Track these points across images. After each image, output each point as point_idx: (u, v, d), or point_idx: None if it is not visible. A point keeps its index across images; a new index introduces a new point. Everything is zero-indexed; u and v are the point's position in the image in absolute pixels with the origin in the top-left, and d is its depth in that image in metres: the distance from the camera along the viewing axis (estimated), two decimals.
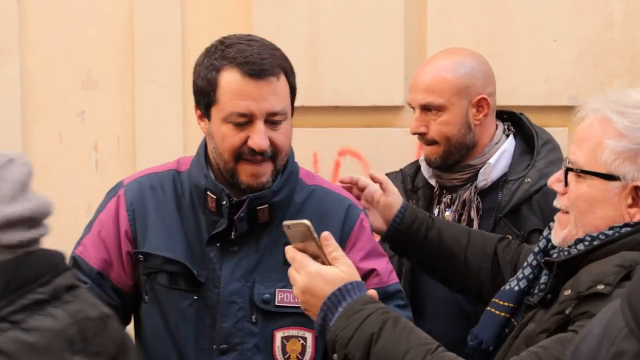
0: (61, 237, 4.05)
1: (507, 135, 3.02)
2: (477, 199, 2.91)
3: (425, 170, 3.04)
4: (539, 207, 2.80)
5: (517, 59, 3.62)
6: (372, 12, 3.70)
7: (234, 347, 2.40)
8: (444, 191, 2.99)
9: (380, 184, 2.75)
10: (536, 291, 2.09)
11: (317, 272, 2.00)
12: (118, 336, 1.89)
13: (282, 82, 2.35)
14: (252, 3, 3.76)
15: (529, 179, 2.85)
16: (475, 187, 2.92)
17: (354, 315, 1.94)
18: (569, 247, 2.02)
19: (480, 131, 2.96)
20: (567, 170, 2.04)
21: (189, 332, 2.41)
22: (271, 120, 2.34)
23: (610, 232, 1.97)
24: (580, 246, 1.99)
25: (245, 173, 2.37)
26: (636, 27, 3.58)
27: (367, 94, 3.73)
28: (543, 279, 2.08)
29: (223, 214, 2.38)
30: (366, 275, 2.43)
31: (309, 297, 2.01)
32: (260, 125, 2.32)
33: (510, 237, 2.73)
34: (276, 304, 2.40)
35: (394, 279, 2.50)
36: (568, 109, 3.52)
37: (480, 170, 2.93)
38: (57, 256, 1.86)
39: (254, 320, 2.40)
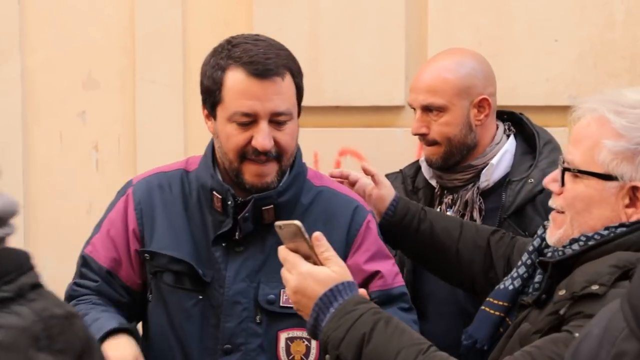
0: (61, 237, 4.10)
1: (508, 136, 3.02)
2: (479, 199, 2.90)
3: (426, 171, 3.04)
4: (543, 207, 2.80)
5: (517, 59, 3.61)
6: (373, 12, 3.70)
7: (237, 347, 2.40)
8: (445, 191, 2.99)
9: (372, 177, 2.75)
10: (530, 290, 2.09)
11: (309, 272, 2.00)
12: (84, 335, 1.89)
13: (287, 82, 2.35)
14: (253, 3, 3.76)
15: (532, 180, 2.85)
16: (478, 187, 2.92)
17: (346, 315, 1.94)
18: (564, 247, 2.02)
19: (481, 131, 2.96)
20: (564, 170, 2.03)
21: (193, 332, 2.42)
22: (276, 121, 2.34)
23: (606, 233, 1.97)
24: (575, 246, 1.99)
25: (250, 173, 2.37)
26: (637, 28, 3.58)
27: (367, 94, 3.72)
28: (537, 278, 2.08)
29: (228, 214, 2.38)
30: (370, 277, 2.44)
31: (301, 298, 2.01)
32: (264, 125, 2.33)
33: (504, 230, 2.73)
34: (281, 304, 2.40)
35: (399, 281, 2.50)
36: (568, 109, 3.48)
37: (483, 171, 2.93)
38: (22, 255, 1.87)
39: (259, 321, 2.41)
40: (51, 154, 3.96)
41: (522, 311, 2.05)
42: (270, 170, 2.37)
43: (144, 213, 2.46)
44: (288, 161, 2.40)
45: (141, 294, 2.49)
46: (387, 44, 3.70)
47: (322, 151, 3.67)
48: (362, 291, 2.05)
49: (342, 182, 2.72)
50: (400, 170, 3.13)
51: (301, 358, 2.41)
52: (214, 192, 2.41)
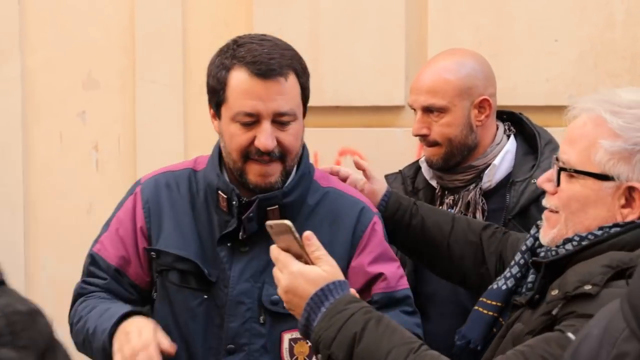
0: (61, 237, 4.09)
1: (508, 136, 3.02)
2: (482, 200, 2.90)
3: (426, 172, 3.04)
4: None
5: (517, 59, 3.61)
6: (373, 12, 3.70)
7: (241, 347, 2.41)
8: (446, 192, 2.98)
9: (364, 172, 2.75)
10: (524, 290, 2.09)
11: (299, 271, 1.99)
12: (47, 332, 1.89)
13: (291, 83, 2.35)
14: (253, 3, 3.76)
15: (535, 180, 2.84)
16: (480, 188, 2.91)
17: (337, 315, 1.94)
18: (557, 247, 2.02)
19: (481, 132, 2.96)
20: (560, 169, 2.03)
21: (197, 331, 2.43)
22: (279, 121, 2.34)
23: (600, 233, 1.96)
24: (569, 246, 1.99)
25: (253, 173, 2.37)
26: (637, 28, 3.58)
27: (367, 94, 3.72)
28: (530, 277, 2.08)
29: (234, 214, 2.39)
30: (374, 279, 2.43)
31: (292, 297, 2.01)
32: (266, 125, 2.33)
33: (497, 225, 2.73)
34: (285, 305, 2.40)
35: (403, 284, 2.48)
36: None
37: (485, 172, 2.93)
38: None
39: (262, 321, 2.41)
40: (51, 154, 3.96)
41: (515, 311, 2.05)
42: (274, 171, 2.37)
43: (151, 212, 2.47)
44: (292, 161, 2.40)
45: (150, 292, 2.51)
46: (387, 44, 3.70)
47: (322, 151, 3.67)
48: (352, 291, 2.05)
49: None
50: (400, 171, 3.13)
51: (305, 359, 2.41)
52: (220, 192, 2.42)
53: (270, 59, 2.32)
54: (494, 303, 2.17)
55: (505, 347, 1.97)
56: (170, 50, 3.87)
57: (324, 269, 2.00)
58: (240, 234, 2.39)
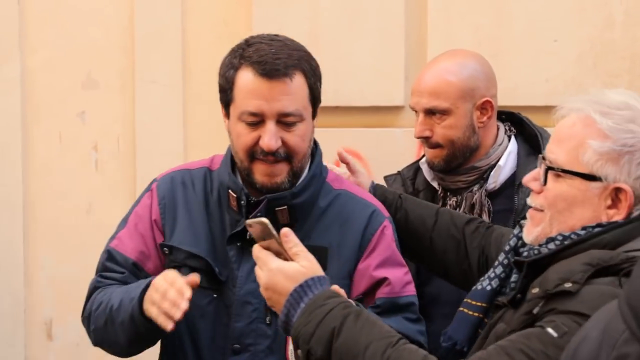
0: (61, 237, 4.10)
1: (509, 137, 3.01)
2: (487, 201, 2.90)
3: (427, 173, 3.03)
4: None
5: (517, 59, 3.62)
6: (372, 12, 3.70)
7: (246, 347, 2.42)
8: (448, 194, 2.98)
9: (347, 165, 2.74)
10: (507, 290, 2.09)
11: (278, 268, 2.02)
12: None
13: (297, 83, 2.35)
14: (252, 3, 3.77)
15: None
16: (485, 189, 2.91)
17: (316, 310, 1.96)
18: (540, 245, 2.02)
19: (483, 133, 2.96)
20: (548, 168, 2.03)
21: (205, 329, 2.44)
22: (284, 121, 2.35)
23: (583, 233, 1.98)
24: (552, 245, 2.00)
25: (260, 172, 2.39)
26: (637, 28, 3.58)
27: (367, 94, 3.73)
28: (513, 277, 2.09)
29: (243, 214, 2.39)
30: (378, 283, 2.43)
31: (272, 294, 2.03)
32: (270, 125, 2.34)
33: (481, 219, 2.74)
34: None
35: (408, 291, 2.47)
36: None
37: (491, 173, 2.94)
38: None
39: (268, 322, 2.41)
40: (51, 154, 3.97)
41: (498, 311, 2.05)
42: (280, 171, 2.38)
43: (166, 208, 2.49)
44: (300, 162, 2.40)
45: None
46: (386, 44, 3.70)
47: (322, 151, 3.66)
48: (335, 287, 2.07)
49: None
50: (398, 172, 3.12)
51: None
52: (230, 191, 2.43)
53: (276, 59, 2.32)
54: (478, 304, 2.17)
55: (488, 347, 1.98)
56: (169, 51, 3.87)
57: (302, 264, 2.02)
58: (248, 233, 2.39)
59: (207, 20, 3.88)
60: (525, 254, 2.07)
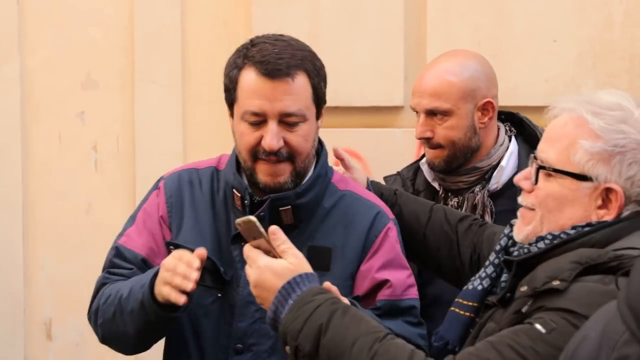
0: (61, 237, 4.10)
1: (510, 137, 3.01)
2: (489, 202, 2.90)
3: (428, 173, 3.03)
4: None
5: (517, 59, 3.62)
6: (372, 12, 3.71)
7: (248, 347, 2.42)
8: (449, 194, 2.97)
9: (342, 161, 2.74)
10: (498, 290, 2.10)
11: (266, 265, 2.04)
12: None
13: (299, 83, 2.34)
14: (252, 3, 3.77)
15: None
16: (487, 190, 2.91)
17: (304, 307, 1.97)
18: (530, 244, 2.04)
19: (484, 134, 2.96)
20: (539, 168, 2.04)
21: (209, 329, 2.44)
22: (286, 121, 2.35)
23: (573, 232, 1.99)
24: (541, 244, 2.01)
25: (263, 172, 2.39)
26: (636, 28, 3.59)
27: (367, 94, 3.73)
28: (504, 277, 2.10)
29: (247, 213, 2.38)
30: (379, 285, 2.43)
31: (261, 291, 2.05)
32: (272, 125, 2.34)
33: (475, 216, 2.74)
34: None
35: (410, 294, 2.46)
36: None
37: (493, 174, 2.94)
38: None
39: None
40: (50, 154, 3.97)
41: (488, 311, 2.06)
42: (283, 171, 2.38)
43: (173, 206, 2.49)
44: (303, 162, 2.40)
45: None
46: (386, 44, 3.70)
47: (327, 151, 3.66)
48: (327, 284, 2.09)
49: None
50: (398, 172, 3.12)
51: None
52: (234, 190, 2.43)
53: (279, 58, 2.32)
54: (469, 303, 2.17)
55: None
56: (169, 51, 3.88)
57: (290, 261, 2.04)
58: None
59: (207, 20, 3.88)
60: (515, 253, 2.08)
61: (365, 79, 3.73)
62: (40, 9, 3.95)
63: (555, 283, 1.85)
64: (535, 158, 2.07)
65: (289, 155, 2.36)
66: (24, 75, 3.96)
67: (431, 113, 2.93)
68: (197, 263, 2.20)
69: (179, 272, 2.20)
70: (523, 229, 2.06)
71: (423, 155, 3.10)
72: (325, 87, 2.44)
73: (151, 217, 2.50)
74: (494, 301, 2.02)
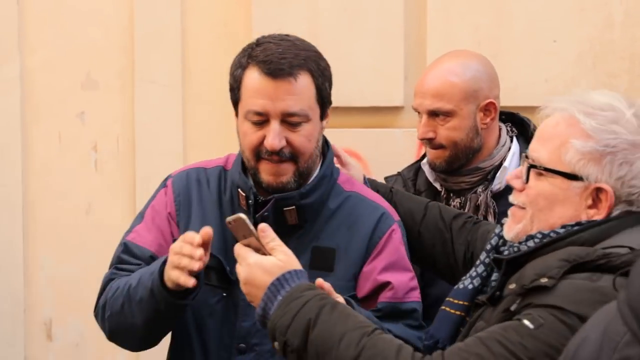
0: (60, 237, 4.10)
1: (511, 137, 3.01)
2: (492, 202, 2.90)
3: (429, 174, 3.04)
4: None
5: (517, 59, 3.62)
6: (372, 12, 3.71)
7: (251, 347, 2.43)
8: (451, 195, 2.97)
9: (339, 158, 2.74)
10: (489, 289, 2.11)
11: (256, 262, 2.06)
12: None
13: (302, 83, 2.36)
14: (252, 3, 3.77)
15: None
16: (490, 190, 2.91)
17: (292, 302, 1.99)
18: (520, 243, 2.05)
19: (486, 134, 2.97)
20: (531, 167, 2.05)
21: (214, 328, 2.46)
22: (288, 121, 2.36)
23: (562, 231, 2.00)
24: (531, 243, 2.02)
25: (265, 172, 2.40)
26: (636, 28, 3.59)
27: (367, 94, 3.73)
28: (494, 276, 2.11)
29: (251, 213, 2.40)
30: (381, 287, 2.43)
31: (251, 289, 2.07)
32: (275, 125, 2.35)
33: (471, 214, 2.74)
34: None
35: (412, 297, 2.47)
36: None
37: (497, 174, 2.94)
38: None
39: None
40: (50, 155, 3.98)
41: (478, 310, 2.07)
42: (286, 171, 2.39)
43: (181, 204, 2.51)
44: (306, 163, 2.41)
45: None
46: (386, 44, 3.71)
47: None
48: (319, 281, 2.10)
49: None
50: (399, 172, 3.12)
51: None
52: (239, 190, 2.45)
53: (282, 58, 2.33)
54: (461, 302, 2.18)
55: None
56: (169, 51, 3.88)
57: (279, 258, 2.06)
58: None
59: (207, 20, 3.89)
60: (505, 252, 2.10)
61: (365, 79, 3.73)
62: (40, 9, 3.96)
63: (544, 280, 1.87)
64: (526, 157, 2.08)
65: (291, 155, 2.37)
66: (24, 75, 3.96)
67: (433, 114, 2.93)
68: (198, 239, 2.20)
69: (185, 252, 2.21)
70: (513, 228, 2.08)
71: (424, 156, 3.10)
72: (330, 87, 2.45)
73: (160, 214, 2.51)
74: (484, 300, 2.03)
